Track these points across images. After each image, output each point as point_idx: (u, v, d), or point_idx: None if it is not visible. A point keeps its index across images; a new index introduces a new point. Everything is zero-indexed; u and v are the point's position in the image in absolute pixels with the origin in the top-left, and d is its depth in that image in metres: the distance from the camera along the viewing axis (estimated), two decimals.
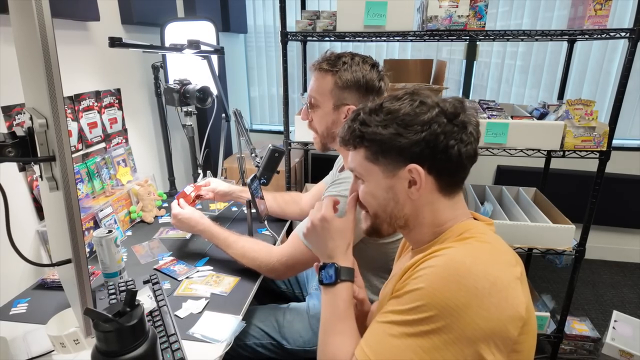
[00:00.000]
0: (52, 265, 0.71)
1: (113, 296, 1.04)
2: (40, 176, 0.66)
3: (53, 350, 0.87)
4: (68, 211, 0.59)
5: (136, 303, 0.68)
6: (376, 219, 0.75)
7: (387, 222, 0.73)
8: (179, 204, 1.28)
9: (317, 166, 2.67)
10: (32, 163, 0.73)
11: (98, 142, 1.49)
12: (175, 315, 0.99)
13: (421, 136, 0.65)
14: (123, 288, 1.06)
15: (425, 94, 0.69)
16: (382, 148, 0.68)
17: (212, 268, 1.21)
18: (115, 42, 1.22)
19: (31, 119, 0.64)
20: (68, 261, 0.64)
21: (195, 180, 1.64)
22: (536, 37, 1.59)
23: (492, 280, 0.58)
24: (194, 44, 1.43)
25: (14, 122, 1.13)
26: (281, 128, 1.90)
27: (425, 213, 0.70)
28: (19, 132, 0.67)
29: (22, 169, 1.18)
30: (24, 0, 0.54)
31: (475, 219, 0.74)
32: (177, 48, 1.43)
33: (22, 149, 0.66)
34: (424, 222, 0.71)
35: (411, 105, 0.67)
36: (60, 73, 0.55)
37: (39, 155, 0.64)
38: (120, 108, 1.61)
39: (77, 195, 0.60)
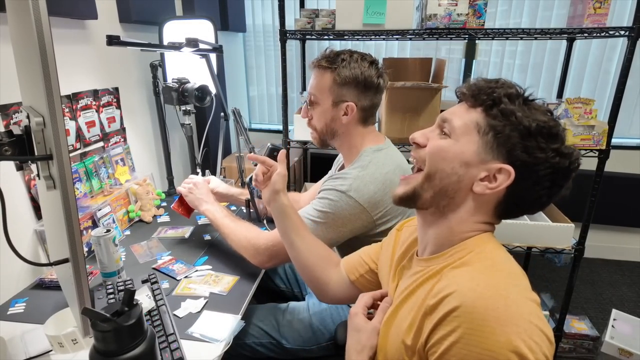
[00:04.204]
0: (50, 264, 0.71)
1: (111, 296, 1.03)
2: (38, 175, 0.66)
3: (51, 350, 0.86)
4: (65, 210, 0.59)
5: (134, 302, 0.68)
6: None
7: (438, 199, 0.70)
8: (181, 203, 1.36)
9: (316, 165, 2.67)
10: (29, 162, 0.73)
11: (96, 141, 1.48)
12: (174, 315, 0.99)
13: None
14: (121, 287, 1.06)
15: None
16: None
17: (211, 267, 1.21)
18: (113, 40, 1.22)
19: (28, 117, 0.63)
20: (66, 260, 0.64)
21: None
22: (536, 36, 1.59)
23: (527, 319, 0.56)
24: (192, 42, 1.42)
25: (11, 121, 1.12)
26: (280, 127, 1.90)
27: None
28: (16, 130, 0.66)
29: (19, 168, 1.16)
30: None
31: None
32: (175, 46, 1.42)
33: (19, 148, 0.65)
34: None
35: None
36: (58, 72, 0.55)
37: (36, 153, 0.64)
38: (119, 107, 1.61)
39: (74, 193, 0.60)
